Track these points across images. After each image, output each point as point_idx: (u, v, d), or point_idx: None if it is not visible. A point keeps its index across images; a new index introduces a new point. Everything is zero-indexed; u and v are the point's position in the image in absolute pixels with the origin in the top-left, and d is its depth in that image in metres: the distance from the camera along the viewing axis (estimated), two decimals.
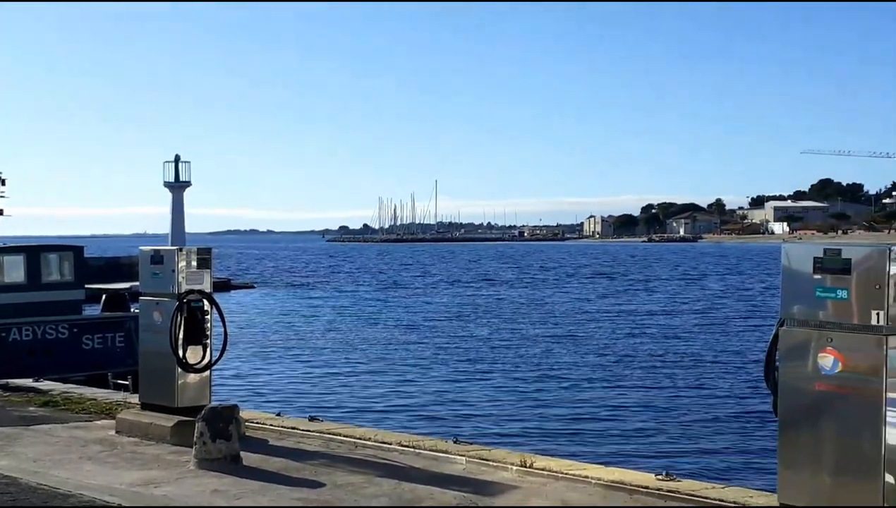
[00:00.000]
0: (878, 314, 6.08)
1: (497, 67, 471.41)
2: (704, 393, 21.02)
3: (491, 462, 8.85)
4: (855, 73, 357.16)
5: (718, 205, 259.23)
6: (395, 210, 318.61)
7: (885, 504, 5.93)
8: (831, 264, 6.30)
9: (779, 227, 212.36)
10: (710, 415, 18.44)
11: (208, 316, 10.43)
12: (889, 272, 6.07)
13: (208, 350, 10.39)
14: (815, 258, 6.39)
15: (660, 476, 8.12)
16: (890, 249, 6.13)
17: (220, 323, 10.46)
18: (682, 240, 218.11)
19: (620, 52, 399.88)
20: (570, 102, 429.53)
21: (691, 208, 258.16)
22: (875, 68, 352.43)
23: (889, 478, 5.97)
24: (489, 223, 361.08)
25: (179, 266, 10.31)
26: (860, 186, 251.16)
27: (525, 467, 8.58)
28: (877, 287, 6.08)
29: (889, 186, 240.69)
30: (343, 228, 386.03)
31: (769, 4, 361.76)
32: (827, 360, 6.24)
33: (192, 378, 10.33)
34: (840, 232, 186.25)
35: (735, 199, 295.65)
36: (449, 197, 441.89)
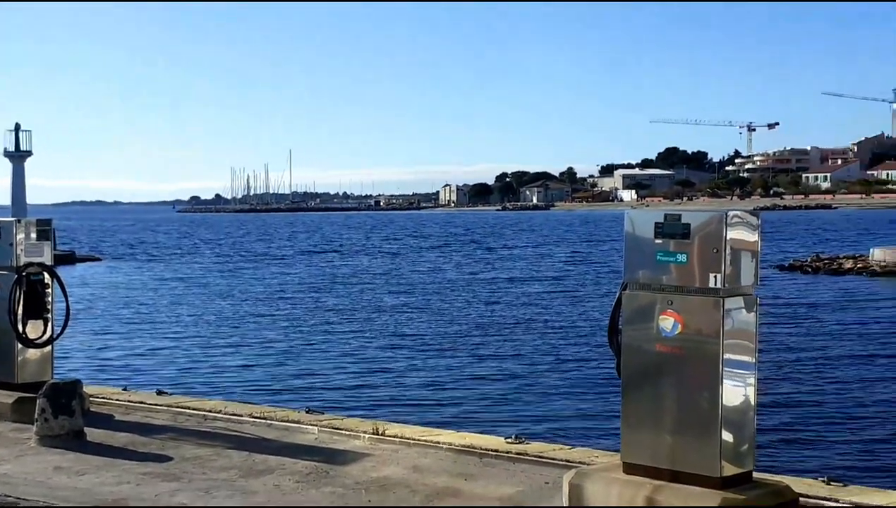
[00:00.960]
0: (715, 277, 6.27)
1: (350, 35, 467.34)
2: (555, 358, 21.43)
3: (343, 431, 8.83)
4: (701, 43, 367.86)
5: (570, 173, 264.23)
6: (248, 180, 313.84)
7: (723, 461, 6.15)
8: (672, 229, 6.46)
9: (627, 195, 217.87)
10: (561, 380, 18.83)
11: (49, 290, 10.08)
12: (726, 236, 6.26)
13: (49, 324, 10.03)
14: (656, 223, 6.54)
15: (510, 440, 8.25)
16: (727, 214, 6.33)
17: (63, 297, 10.12)
18: (535, 208, 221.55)
19: (472, 21, 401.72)
20: (426, 71, 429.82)
21: (544, 177, 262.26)
22: (720, 39, 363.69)
23: (726, 436, 6.20)
24: (345, 193, 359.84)
25: (18, 238, 9.91)
26: (705, 154, 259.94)
27: (377, 434, 8.59)
28: (715, 251, 6.27)
29: (732, 154, 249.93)
30: (194, 198, 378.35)
31: None
32: (667, 322, 6.41)
33: (33, 353, 9.97)
34: (685, 198, 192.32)
35: (586, 168, 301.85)
36: (304, 167, 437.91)
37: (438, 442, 8.32)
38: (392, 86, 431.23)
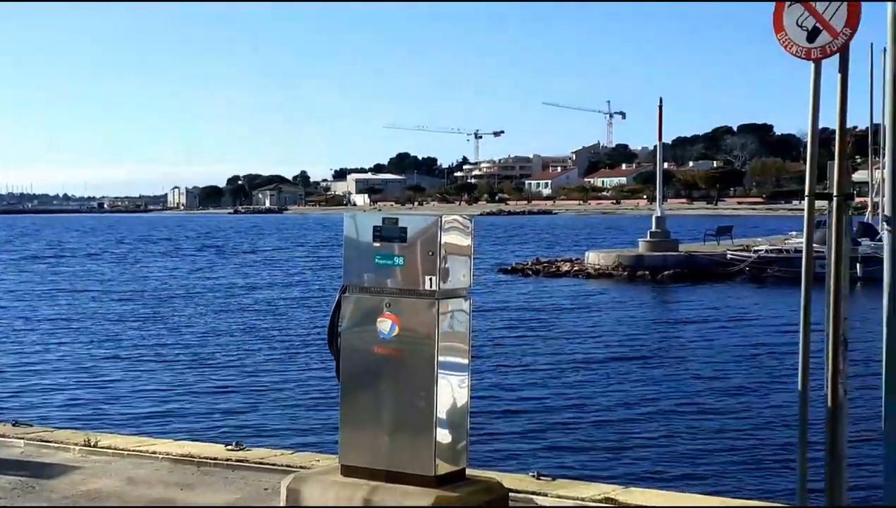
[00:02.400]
0: (430, 279, 6.40)
1: (63, 32, 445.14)
2: (281, 364, 21.27)
3: (52, 444, 8.39)
4: (433, 49, 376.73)
5: (304, 177, 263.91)
6: None
7: (438, 460, 6.29)
8: (389, 232, 6.55)
9: (360, 199, 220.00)
10: (287, 386, 18.70)
11: None
12: (441, 240, 6.41)
13: None
14: (374, 227, 6.60)
15: (230, 448, 8.11)
16: (442, 218, 6.49)
17: None
18: (269, 211, 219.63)
19: (199, 19, 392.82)
20: (150, 68, 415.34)
21: (277, 180, 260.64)
22: (448, 46, 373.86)
23: (441, 435, 6.34)
24: (66, 194, 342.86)
25: None
26: (435, 160, 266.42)
27: (89, 446, 8.22)
28: (430, 254, 6.40)
29: (460, 160, 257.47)
30: None
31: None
32: (385, 324, 6.49)
33: None
34: (416, 203, 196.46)
35: (319, 172, 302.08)
36: (17, 168, 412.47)
37: (155, 452, 8.06)
38: (113, 84, 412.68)
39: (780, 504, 7.50)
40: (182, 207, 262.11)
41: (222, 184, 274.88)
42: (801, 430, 5.95)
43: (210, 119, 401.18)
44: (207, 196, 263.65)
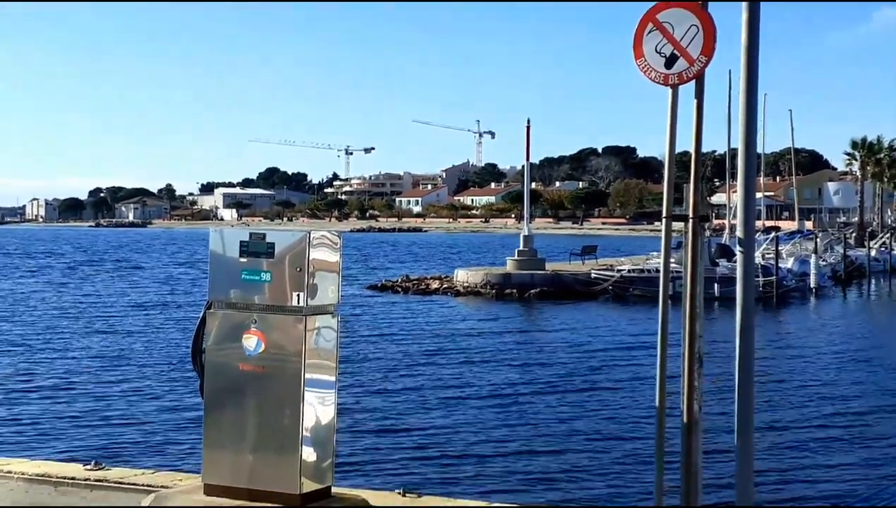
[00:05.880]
0: (298, 295, 6.39)
1: None
2: (144, 383, 20.75)
3: None
4: (302, 62, 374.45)
5: (169, 190, 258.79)
6: None
7: (303, 478, 6.25)
8: (256, 248, 6.52)
9: (228, 214, 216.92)
10: (149, 403, 18.27)
11: None
12: (309, 256, 6.41)
13: None
14: (241, 242, 6.57)
15: (88, 467, 7.89)
16: (310, 234, 6.48)
17: None
18: (132, 225, 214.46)
19: (67, 37, 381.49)
20: (8, 81, 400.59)
21: (142, 193, 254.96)
22: (317, 60, 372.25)
23: (306, 453, 6.31)
24: None
25: None
26: (305, 175, 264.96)
27: None
28: (298, 270, 6.40)
29: (331, 176, 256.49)
30: None
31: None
32: (251, 341, 6.45)
33: None
34: (286, 218, 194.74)
35: (186, 185, 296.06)
36: None
37: (10, 472, 7.78)
38: None
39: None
40: (41, 220, 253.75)
41: (83, 196, 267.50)
42: (658, 443, 6.14)
43: (71, 130, 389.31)
44: (68, 208, 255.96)
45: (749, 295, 5.78)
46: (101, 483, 7.49)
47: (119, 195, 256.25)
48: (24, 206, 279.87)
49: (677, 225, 6.17)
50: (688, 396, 5.93)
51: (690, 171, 6.09)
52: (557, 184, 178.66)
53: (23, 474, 7.73)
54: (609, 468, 13.86)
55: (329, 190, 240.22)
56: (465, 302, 39.94)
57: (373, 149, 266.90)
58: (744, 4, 5.74)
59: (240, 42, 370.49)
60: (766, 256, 42.34)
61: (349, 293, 41.55)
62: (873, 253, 57.21)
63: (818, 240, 50.44)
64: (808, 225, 74.16)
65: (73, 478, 7.59)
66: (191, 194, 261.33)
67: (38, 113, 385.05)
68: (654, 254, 46.03)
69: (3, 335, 28.65)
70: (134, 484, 7.43)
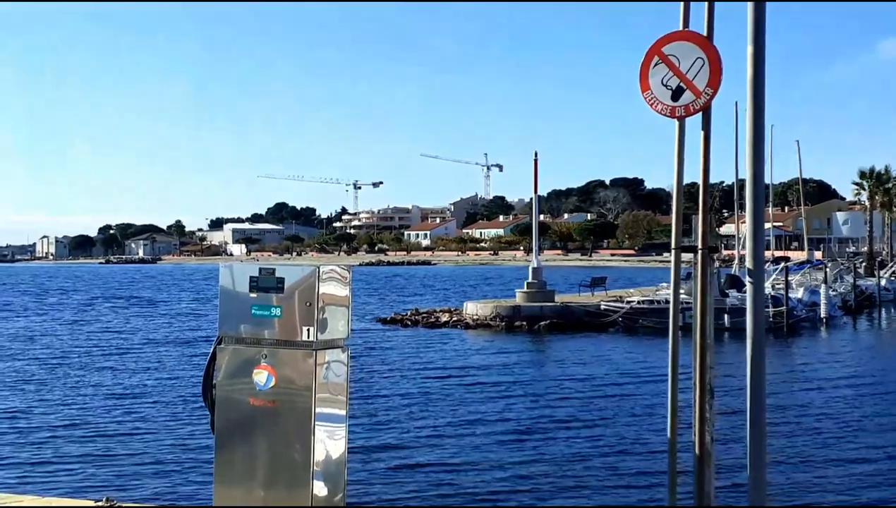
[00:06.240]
0: (308, 330, 6.40)
1: None
2: (156, 418, 20.75)
3: None
4: (309, 99, 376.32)
5: (178, 226, 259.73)
6: None
7: None
8: (266, 283, 6.54)
9: (237, 249, 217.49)
10: (161, 439, 18.25)
11: None
12: (319, 291, 6.43)
13: None
14: (251, 277, 6.59)
15: (99, 503, 7.88)
16: (319, 269, 6.50)
17: None
18: (142, 261, 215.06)
19: (59, 73, 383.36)
20: (16, 114, 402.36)
21: (151, 229, 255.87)
22: (322, 95, 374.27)
23: (318, 488, 6.30)
24: None
25: None
26: (313, 210, 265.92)
27: None
28: (307, 304, 6.41)
29: (339, 211, 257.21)
30: None
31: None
32: (261, 376, 6.45)
33: None
34: (295, 253, 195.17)
35: (195, 221, 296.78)
36: None
37: None
38: None
39: None
40: (51, 257, 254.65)
41: (93, 233, 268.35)
42: (671, 475, 6.11)
43: (80, 167, 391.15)
44: (78, 245, 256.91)
45: (759, 326, 5.78)
46: None
47: (129, 231, 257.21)
48: (35, 244, 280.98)
49: (686, 256, 6.18)
50: (699, 428, 5.92)
51: (699, 203, 6.11)
52: (566, 216, 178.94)
53: None
54: (624, 499, 13.78)
55: (338, 224, 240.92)
56: (474, 335, 39.86)
57: (381, 183, 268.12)
58: (749, 37, 5.77)
59: (248, 78, 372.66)
60: (776, 286, 42.21)
61: (359, 327, 41.53)
62: (883, 282, 57.05)
63: (828, 269, 50.31)
64: (818, 254, 73.98)
65: None
66: (200, 230, 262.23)
67: (48, 150, 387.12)
68: (664, 285, 45.95)
69: (16, 371, 28.69)
70: None
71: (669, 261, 6.32)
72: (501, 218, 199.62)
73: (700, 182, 6.14)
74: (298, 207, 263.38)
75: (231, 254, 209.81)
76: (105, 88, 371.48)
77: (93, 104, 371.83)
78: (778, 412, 20.24)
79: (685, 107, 6.11)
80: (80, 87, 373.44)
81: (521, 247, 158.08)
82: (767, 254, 55.93)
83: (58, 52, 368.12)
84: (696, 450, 5.91)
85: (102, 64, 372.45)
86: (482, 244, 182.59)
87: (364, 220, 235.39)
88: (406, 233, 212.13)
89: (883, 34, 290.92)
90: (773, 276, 43.24)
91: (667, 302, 32.48)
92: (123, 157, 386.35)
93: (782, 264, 47.10)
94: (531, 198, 53.78)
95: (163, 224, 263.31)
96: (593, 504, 13.66)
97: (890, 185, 77.46)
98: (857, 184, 78.89)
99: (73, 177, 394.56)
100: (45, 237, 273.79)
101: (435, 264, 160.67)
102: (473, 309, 44.63)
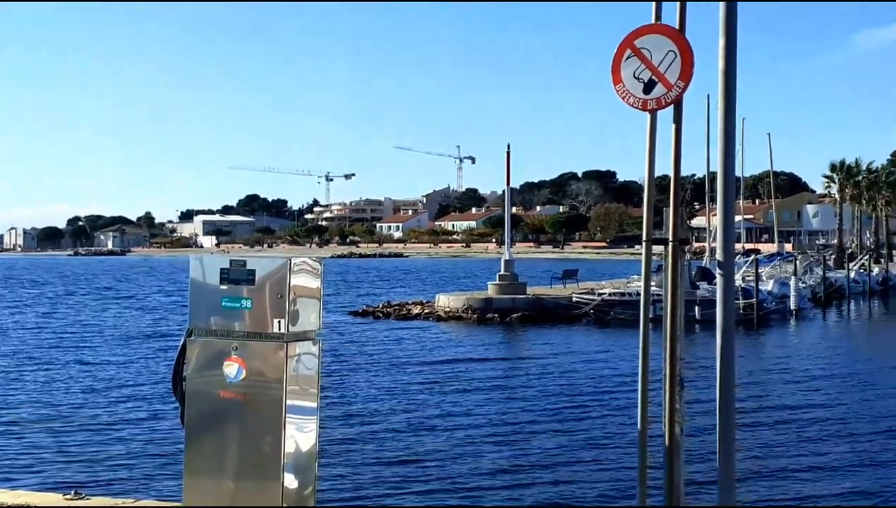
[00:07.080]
0: (279, 322, 6.38)
1: None
2: (124, 410, 20.63)
3: None
4: (279, 91, 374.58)
5: (148, 218, 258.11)
6: None
7: (284, 504, 6.23)
8: (237, 275, 6.51)
9: (208, 241, 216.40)
10: (130, 431, 18.15)
11: None
12: (290, 283, 6.40)
13: None
14: (221, 269, 6.55)
15: (68, 496, 7.83)
16: (291, 261, 6.48)
17: None
18: (111, 253, 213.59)
19: (42, 67, 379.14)
20: None
21: (120, 221, 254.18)
22: (297, 88, 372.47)
23: (288, 479, 6.28)
24: None
25: None
26: (285, 202, 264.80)
27: None
28: (279, 296, 6.38)
29: (311, 203, 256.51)
30: None
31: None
32: (232, 368, 6.43)
33: None
34: (266, 245, 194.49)
35: (165, 213, 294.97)
36: None
37: None
38: None
39: None
40: (19, 249, 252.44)
41: (62, 225, 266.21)
42: (641, 466, 6.14)
43: (49, 159, 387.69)
44: (46, 237, 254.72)
45: (729, 318, 5.81)
46: None
47: (98, 223, 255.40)
48: (2, 236, 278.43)
49: (657, 248, 6.20)
50: (669, 419, 5.95)
51: (670, 195, 6.13)
52: (538, 208, 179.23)
53: (2, 504, 7.65)
54: (594, 489, 13.84)
55: (309, 216, 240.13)
56: (446, 327, 39.89)
57: (353, 175, 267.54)
58: (721, 29, 5.79)
59: (219, 69, 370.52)
60: (747, 279, 42.50)
61: (330, 319, 41.43)
62: (852, 274, 57.58)
63: (798, 262, 50.70)
64: (788, 247, 74.64)
65: None
66: (170, 222, 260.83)
67: (15, 142, 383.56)
68: (635, 277, 46.20)
69: None
70: None
71: (640, 254, 6.35)
72: (474, 210, 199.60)
73: (671, 174, 6.16)
74: (270, 199, 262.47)
75: (201, 246, 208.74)
76: (74, 79, 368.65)
77: (62, 95, 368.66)
78: (750, 402, 20.39)
79: (657, 100, 6.13)
80: (49, 78, 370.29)
81: (494, 240, 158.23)
82: (738, 246, 56.35)
83: (24, 41, 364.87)
84: (666, 442, 5.94)
85: (70, 54, 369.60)
86: (454, 236, 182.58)
87: (336, 212, 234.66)
88: (378, 225, 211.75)
89: (856, 28, 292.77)
90: (744, 269, 43.53)
91: (638, 293, 32.69)
92: (93, 149, 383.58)
93: (753, 256, 47.44)
94: (504, 191, 53.89)
95: (133, 216, 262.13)
96: (564, 500, 13.71)
97: (860, 178, 78.19)
98: (827, 176, 79.64)
99: (42, 169, 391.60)
100: (12, 228, 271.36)
101: (407, 256, 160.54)
102: (445, 301, 44.66)
